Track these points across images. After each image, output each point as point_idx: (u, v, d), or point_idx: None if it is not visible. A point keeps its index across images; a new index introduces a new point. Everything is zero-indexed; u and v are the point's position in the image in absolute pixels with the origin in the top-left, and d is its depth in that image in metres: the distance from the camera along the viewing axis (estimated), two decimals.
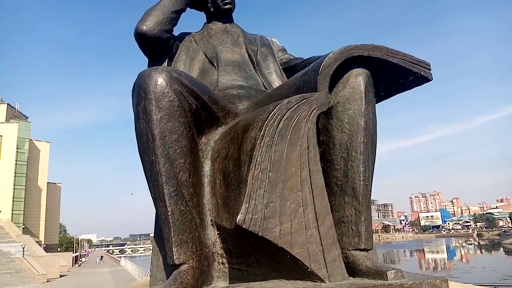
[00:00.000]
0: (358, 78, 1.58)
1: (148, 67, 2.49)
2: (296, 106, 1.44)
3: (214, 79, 2.32)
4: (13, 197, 48.14)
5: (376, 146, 1.65)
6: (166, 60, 2.44)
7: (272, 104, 1.52)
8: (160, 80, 1.49)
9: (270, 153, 1.35)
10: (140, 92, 1.49)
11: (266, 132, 1.37)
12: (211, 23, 2.72)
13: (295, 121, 1.42)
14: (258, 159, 1.33)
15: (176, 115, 1.49)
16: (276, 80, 2.45)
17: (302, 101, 1.46)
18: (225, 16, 2.71)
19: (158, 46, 2.34)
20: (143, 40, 2.28)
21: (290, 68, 2.59)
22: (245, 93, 2.17)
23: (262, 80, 2.39)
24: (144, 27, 2.24)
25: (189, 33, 2.65)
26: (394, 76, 1.72)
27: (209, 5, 2.67)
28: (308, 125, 1.44)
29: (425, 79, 1.71)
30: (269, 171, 1.32)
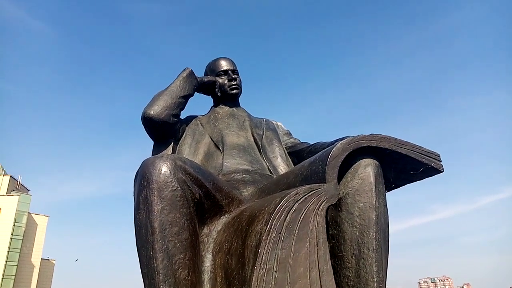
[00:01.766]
0: (367, 169, 1.54)
1: (153, 149, 2.49)
2: (304, 198, 1.37)
3: (219, 163, 2.29)
4: (3, 274, 46.10)
5: (388, 241, 1.55)
6: (172, 143, 2.45)
7: (278, 195, 1.45)
8: (164, 168, 1.45)
9: (276, 251, 1.25)
10: (143, 181, 1.44)
11: (272, 227, 1.29)
12: (217, 106, 2.78)
13: (303, 215, 1.34)
14: (263, 258, 1.22)
15: (178, 206, 1.42)
16: (281, 164, 2.42)
17: (310, 193, 1.40)
18: (232, 100, 2.78)
19: (164, 130, 2.36)
20: (150, 124, 2.30)
21: (295, 152, 2.57)
22: (250, 178, 2.12)
23: (268, 164, 2.36)
24: (152, 112, 2.27)
25: (195, 116, 2.70)
26: (404, 166, 1.68)
27: (216, 90, 2.75)
28: (317, 219, 1.36)
29: (436, 171, 1.66)
30: (276, 271, 1.21)
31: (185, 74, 2.50)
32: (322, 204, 1.39)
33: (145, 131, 2.41)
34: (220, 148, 2.37)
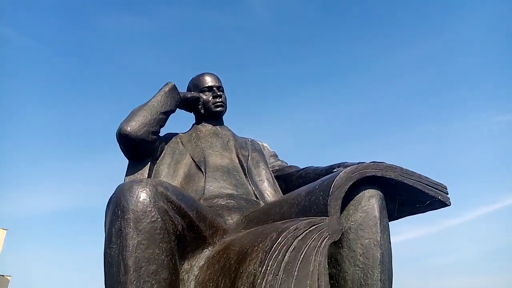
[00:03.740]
0: (371, 201, 1.38)
1: (127, 169, 2.26)
2: (304, 234, 1.20)
3: (200, 186, 2.09)
4: None
5: (392, 282, 1.39)
6: (149, 163, 2.23)
7: (274, 229, 1.27)
8: (143, 195, 1.24)
9: None
10: (117, 210, 1.23)
11: (268, 268, 1.10)
12: (200, 124, 2.58)
13: (303, 254, 1.17)
14: None
15: (157, 240, 1.22)
16: (268, 188, 2.24)
17: (311, 228, 1.22)
18: (216, 118, 2.59)
19: (142, 148, 2.14)
20: (126, 141, 2.08)
21: (283, 176, 2.40)
22: (235, 204, 1.94)
23: (253, 188, 2.17)
24: (129, 128, 2.05)
25: (176, 134, 2.49)
26: (407, 198, 1.54)
27: (199, 106, 2.56)
28: (318, 259, 1.18)
29: (442, 204, 1.53)
30: None
31: (167, 89, 2.30)
32: (324, 241, 1.22)
33: (120, 149, 2.19)
34: (202, 169, 2.17)
